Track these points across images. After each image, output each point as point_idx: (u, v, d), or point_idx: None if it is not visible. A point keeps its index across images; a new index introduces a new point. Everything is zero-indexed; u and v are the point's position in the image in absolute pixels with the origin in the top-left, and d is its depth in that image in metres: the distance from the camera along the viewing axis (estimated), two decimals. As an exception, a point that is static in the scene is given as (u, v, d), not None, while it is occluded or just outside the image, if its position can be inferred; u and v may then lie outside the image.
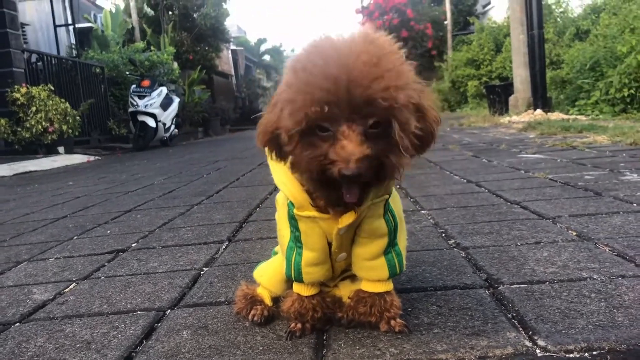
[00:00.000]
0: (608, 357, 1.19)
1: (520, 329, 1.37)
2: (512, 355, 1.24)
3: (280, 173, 1.30)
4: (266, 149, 1.20)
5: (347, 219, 1.28)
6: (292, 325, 1.45)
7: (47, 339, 1.60)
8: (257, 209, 3.53)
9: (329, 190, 1.13)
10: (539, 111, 11.04)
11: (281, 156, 1.17)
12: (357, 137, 1.00)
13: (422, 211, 2.94)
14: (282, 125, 1.06)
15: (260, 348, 1.40)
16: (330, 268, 1.44)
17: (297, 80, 1.02)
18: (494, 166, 4.61)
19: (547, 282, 1.68)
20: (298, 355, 1.34)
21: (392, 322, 1.41)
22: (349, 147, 0.98)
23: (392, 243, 1.40)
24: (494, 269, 1.85)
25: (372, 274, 1.41)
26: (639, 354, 1.20)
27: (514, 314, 1.47)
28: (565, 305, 1.48)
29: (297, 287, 1.45)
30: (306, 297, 1.44)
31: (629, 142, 5.24)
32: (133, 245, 2.78)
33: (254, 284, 1.65)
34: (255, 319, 1.53)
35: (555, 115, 10.41)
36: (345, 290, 1.50)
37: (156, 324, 1.65)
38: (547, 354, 1.24)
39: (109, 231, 3.22)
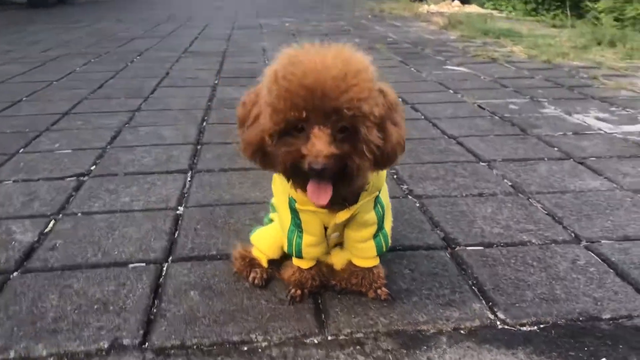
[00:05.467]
0: (552, 331, 1.54)
1: (482, 300, 1.70)
2: (480, 327, 1.56)
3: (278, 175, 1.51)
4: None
5: (344, 215, 1.52)
6: (293, 291, 1.69)
7: (60, 297, 1.73)
8: (204, 124, 3.58)
9: (301, 181, 1.31)
10: (456, 2, 11.26)
11: (265, 162, 1.35)
12: (326, 137, 1.18)
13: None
14: (264, 129, 1.25)
15: (268, 315, 1.63)
16: (326, 246, 1.68)
17: (278, 87, 1.20)
18: (424, 80, 4.86)
19: (496, 246, 2.01)
20: (303, 323, 1.59)
21: (379, 291, 1.69)
22: (318, 145, 1.17)
23: (380, 227, 1.65)
24: (449, 226, 2.16)
25: (362, 254, 1.67)
26: (574, 328, 1.55)
27: (474, 282, 1.79)
28: (515, 275, 1.82)
29: (297, 262, 1.68)
30: (305, 269, 1.67)
31: (543, 60, 5.66)
32: (92, 168, 2.81)
33: (248, 244, 1.84)
34: (257, 282, 1.75)
35: (472, 8, 10.70)
36: (337, 258, 1.75)
37: (160, 280, 1.81)
38: (506, 327, 1.57)
39: (57, 144, 3.18)
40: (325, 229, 1.61)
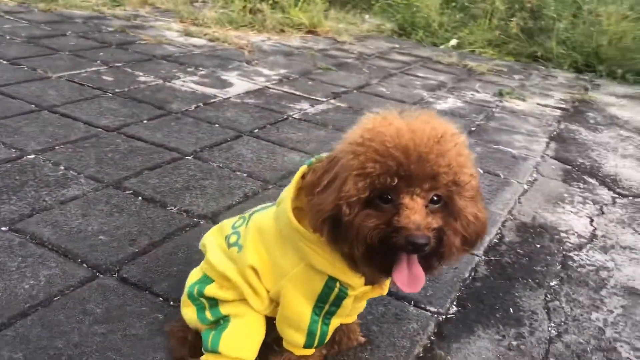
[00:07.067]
0: None
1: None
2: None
3: (322, 257, 1.15)
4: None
5: (385, 287, 1.30)
6: None
7: None
8: None
9: (380, 261, 1.07)
10: None
11: (337, 236, 1.07)
12: (422, 208, 1.00)
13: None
14: (343, 195, 1.02)
15: None
16: None
17: (365, 148, 1.01)
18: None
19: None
20: None
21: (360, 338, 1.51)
22: (416, 217, 0.98)
23: None
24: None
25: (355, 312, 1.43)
26: None
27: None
28: None
29: (303, 351, 1.29)
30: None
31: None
32: None
33: None
34: None
35: None
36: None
37: None
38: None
39: None
40: None
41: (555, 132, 3.52)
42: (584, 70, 5.55)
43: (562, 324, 1.68)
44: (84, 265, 1.68)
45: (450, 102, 3.91)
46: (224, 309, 1.26)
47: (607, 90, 4.87)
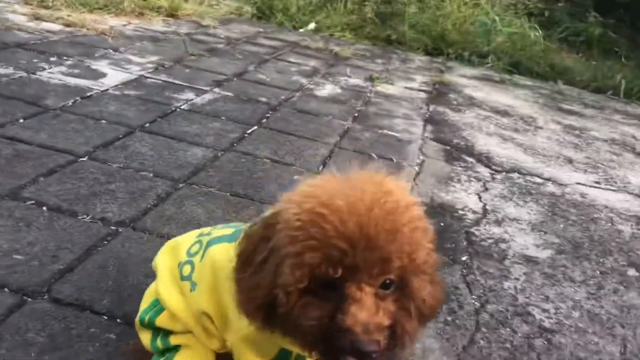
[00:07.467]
0: None
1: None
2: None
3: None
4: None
5: None
6: None
7: None
8: None
9: (326, 351, 0.93)
10: None
11: (272, 324, 0.95)
12: (371, 301, 0.87)
13: None
14: (279, 284, 0.89)
15: None
16: None
17: (304, 234, 0.87)
18: None
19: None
20: None
21: None
22: (363, 316, 0.85)
23: None
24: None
25: None
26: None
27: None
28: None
29: None
30: None
31: None
32: None
33: None
34: None
35: None
36: None
37: None
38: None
39: None
40: None
41: (427, 115, 3.80)
42: (434, 53, 6.00)
43: (482, 295, 1.87)
44: (6, 289, 1.52)
45: (329, 89, 4.03)
46: (174, 339, 1.21)
47: (459, 72, 5.34)
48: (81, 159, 2.31)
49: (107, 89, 3.17)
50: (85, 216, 1.91)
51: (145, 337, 1.24)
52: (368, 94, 4.06)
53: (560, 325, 1.78)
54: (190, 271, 1.17)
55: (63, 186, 2.07)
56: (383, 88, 4.30)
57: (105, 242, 1.80)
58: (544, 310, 1.84)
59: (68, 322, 1.44)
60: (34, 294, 1.52)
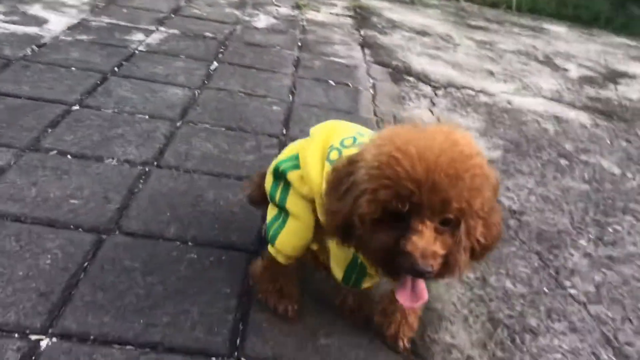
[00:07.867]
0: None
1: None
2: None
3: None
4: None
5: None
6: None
7: None
8: None
9: (388, 269, 1.14)
10: None
11: (349, 241, 1.17)
12: (431, 233, 1.02)
13: None
14: (356, 212, 1.07)
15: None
16: None
17: (380, 173, 1.03)
18: None
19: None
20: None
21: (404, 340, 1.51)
22: (423, 243, 1.01)
23: None
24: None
25: None
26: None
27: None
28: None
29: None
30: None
31: None
32: None
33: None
34: (291, 315, 1.51)
35: None
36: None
37: None
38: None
39: None
40: None
41: (361, 40, 4.09)
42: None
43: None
44: (80, 229, 1.70)
45: (264, 19, 4.18)
46: (289, 202, 1.38)
47: (373, -5, 5.62)
48: (74, 107, 2.39)
49: (57, 36, 3.14)
50: (111, 159, 2.07)
51: (269, 181, 1.44)
52: (301, 23, 4.25)
53: (524, 208, 2.24)
54: (337, 157, 1.29)
55: (75, 135, 2.18)
56: (312, 15, 4.50)
57: (141, 180, 1.98)
58: (509, 198, 2.29)
59: (150, 250, 1.66)
60: (107, 231, 1.71)
